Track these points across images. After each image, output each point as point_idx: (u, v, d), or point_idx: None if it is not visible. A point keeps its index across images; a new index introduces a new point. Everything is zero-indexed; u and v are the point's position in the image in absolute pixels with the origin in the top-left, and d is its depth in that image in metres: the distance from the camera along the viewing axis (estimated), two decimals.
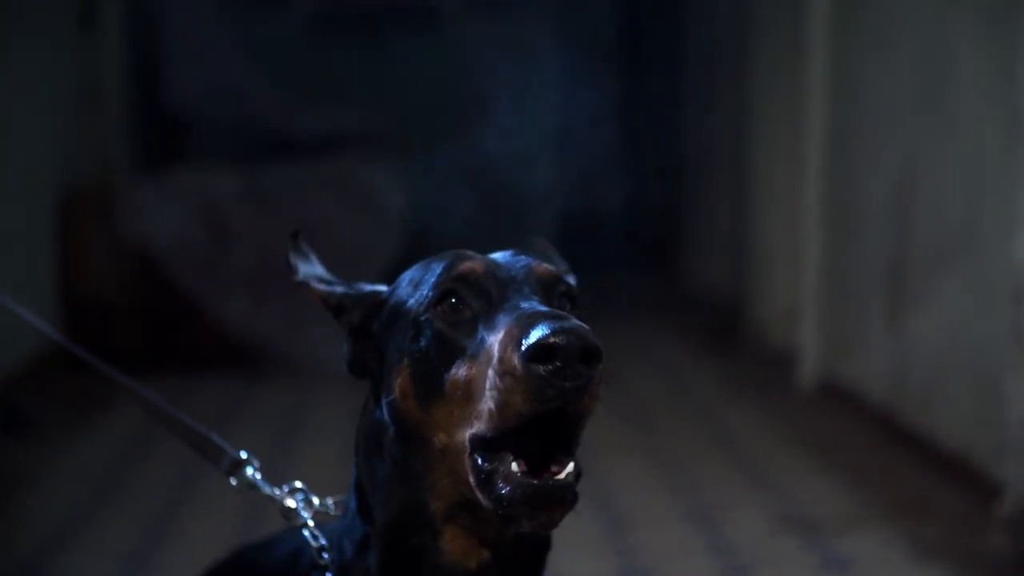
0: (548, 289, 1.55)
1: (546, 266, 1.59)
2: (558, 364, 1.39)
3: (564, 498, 1.45)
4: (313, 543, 1.68)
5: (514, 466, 1.44)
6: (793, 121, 6.42)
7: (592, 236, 9.56)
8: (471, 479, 1.47)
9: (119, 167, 7.51)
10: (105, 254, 6.74)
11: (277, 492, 1.79)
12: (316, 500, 1.77)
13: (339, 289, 1.69)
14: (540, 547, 1.60)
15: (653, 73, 9.47)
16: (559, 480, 1.44)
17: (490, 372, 1.44)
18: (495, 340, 1.45)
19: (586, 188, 9.70)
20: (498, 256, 1.59)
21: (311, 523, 1.73)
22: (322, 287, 1.70)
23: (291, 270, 1.72)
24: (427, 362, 1.52)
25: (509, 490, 1.44)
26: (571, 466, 1.46)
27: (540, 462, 1.46)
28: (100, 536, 4.34)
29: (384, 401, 1.58)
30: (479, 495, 1.46)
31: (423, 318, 1.54)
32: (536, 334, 1.40)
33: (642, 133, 9.75)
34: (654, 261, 9.31)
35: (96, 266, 6.75)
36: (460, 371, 1.49)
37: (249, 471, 1.85)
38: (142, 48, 8.19)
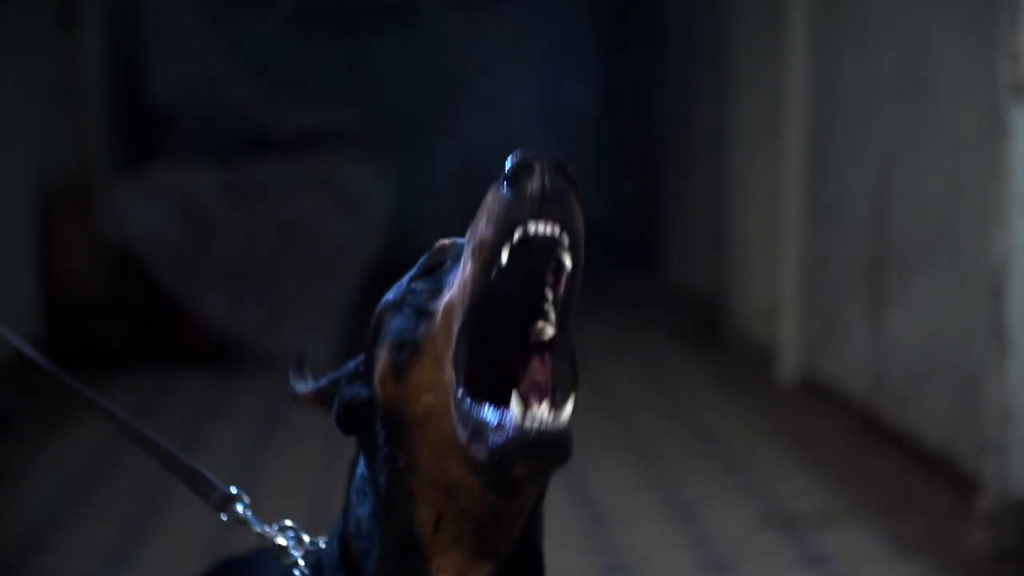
0: None
1: None
2: (532, 178, 1.35)
3: (561, 444, 1.37)
4: None
5: (511, 412, 1.37)
6: (773, 117, 6.43)
7: None
8: (460, 433, 1.40)
9: (99, 164, 7.48)
10: (86, 251, 6.71)
11: (268, 529, 1.77)
12: (307, 538, 1.75)
13: (321, 381, 1.67)
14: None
15: (633, 70, 9.47)
16: (555, 427, 1.36)
17: (468, 234, 1.42)
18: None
19: None
20: None
21: (301, 562, 1.71)
22: (307, 388, 1.68)
23: (289, 388, 1.71)
24: (410, 325, 1.48)
25: (503, 440, 1.36)
26: (569, 407, 1.39)
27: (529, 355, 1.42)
28: (79, 535, 4.33)
29: (369, 394, 1.54)
30: (471, 451, 1.39)
31: (407, 288, 1.52)
32: (507, 165, 1.38)
33: (622, 130, 9.75)
34: (634, 258, 9.30)
35: (76, 264, 6.72)
36: (443, 298, 1.46)
37: (240, 507, 1.83)
38: (122, 45, 8.17)
